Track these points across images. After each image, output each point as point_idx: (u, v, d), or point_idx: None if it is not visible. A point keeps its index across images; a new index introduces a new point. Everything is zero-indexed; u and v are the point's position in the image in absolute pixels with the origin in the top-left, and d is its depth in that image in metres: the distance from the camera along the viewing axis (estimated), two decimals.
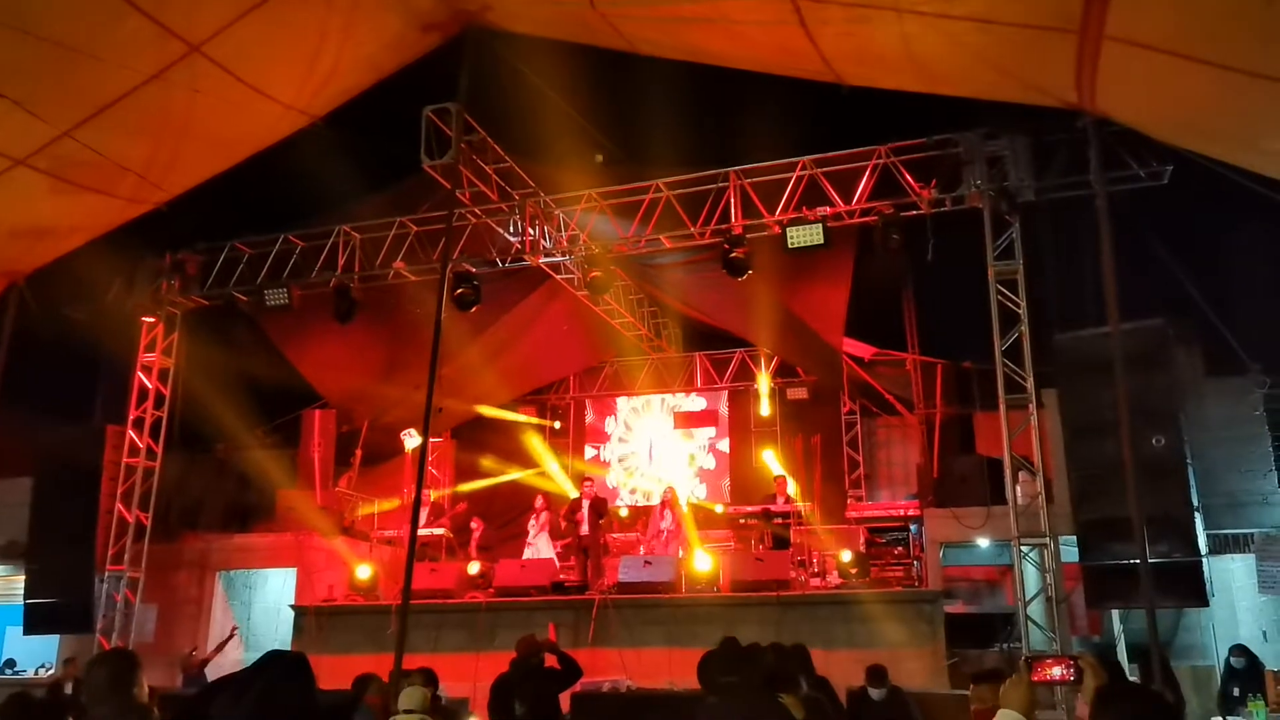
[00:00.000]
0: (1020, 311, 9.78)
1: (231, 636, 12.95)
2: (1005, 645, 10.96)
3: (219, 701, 1.67)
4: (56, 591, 12.02)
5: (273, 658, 1.74)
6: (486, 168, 10.35)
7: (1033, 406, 9.69)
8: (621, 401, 16.74)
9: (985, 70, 6.88)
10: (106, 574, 12.07)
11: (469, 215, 11.36)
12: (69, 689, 8.93)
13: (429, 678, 5.62)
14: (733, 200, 10.84)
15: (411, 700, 5.01)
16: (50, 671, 12.98)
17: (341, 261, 12.13)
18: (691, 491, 15.52)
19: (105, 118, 7.47)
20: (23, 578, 12.48)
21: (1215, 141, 6.45)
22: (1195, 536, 8.88)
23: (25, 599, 12.19)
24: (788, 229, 10.35)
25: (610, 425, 16.75)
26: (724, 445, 16.03)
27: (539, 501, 13.73)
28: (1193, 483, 9.16)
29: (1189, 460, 9.16)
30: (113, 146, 8.02)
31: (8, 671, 13.69)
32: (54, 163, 7.94)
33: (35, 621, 12.15)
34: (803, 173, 10.66)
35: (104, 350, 13.69)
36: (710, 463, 16.03)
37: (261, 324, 12.87)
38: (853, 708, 7.56)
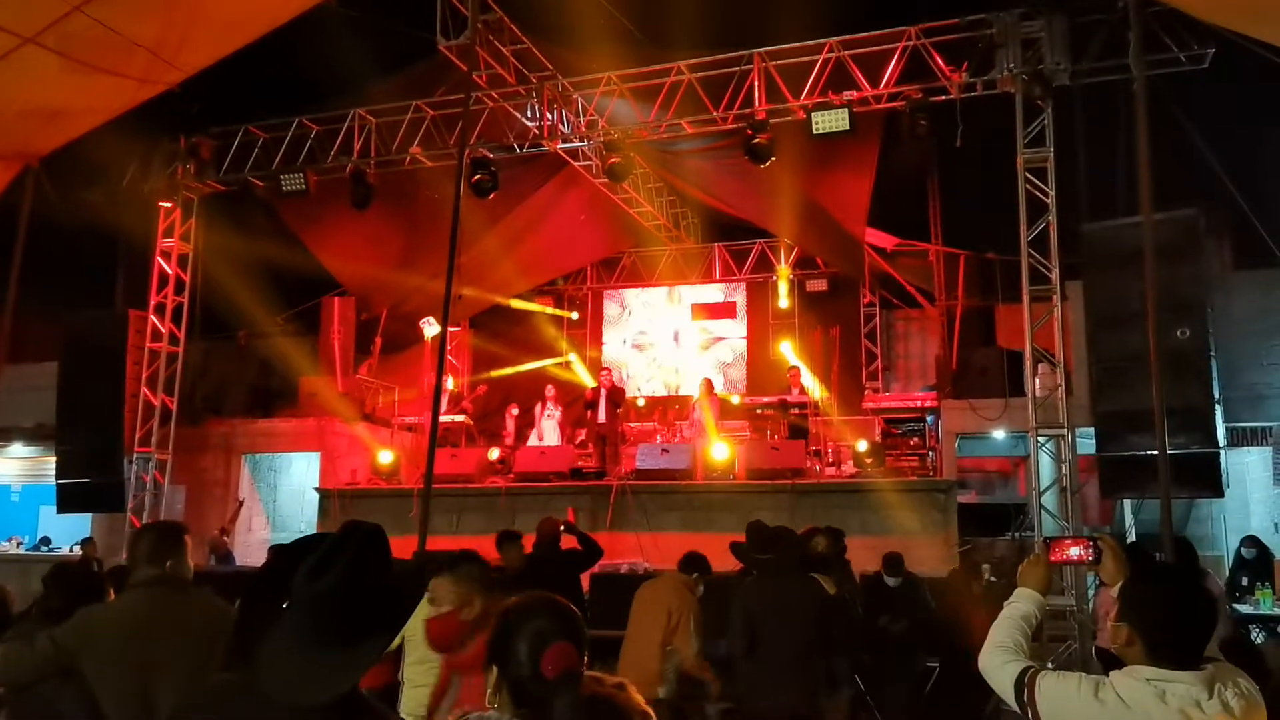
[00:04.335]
0: (1049, 201, 9.56)
1: (239, 507, 13.27)
2: (1016, 534, 11.14)
3: (300, 573, 1.64)
4: (87, 472, 12.28)
5: (353, 530, 1.72)
6: (503, 49, 10.08)
7: (1057, 298, 9.56)
8: (639, 292, 16.67)
9: None
10: (135, 456, 12.33)
11: (485, 99, 11.11)
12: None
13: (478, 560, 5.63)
14: (756, 84, 10.53)
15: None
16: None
17: (357, 146, 11.94)
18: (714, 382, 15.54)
19: None
20: (53, 459, 12.77)
21: (1266, 21, 6.18)
22: (1214, 428, 8.89)
23: (57, 479, 12.49)
24: (813, 114, 10.06)
25: (627, 316, 16.73)
26: (742, 336, 16.02)
27: (549, 391, 13.65)
28: (1214, 375, 9.12)
29: (1212, 353, 9.10)
30: (123, 22, 7.82)
31: (43, 549, 14.12)
32: (64, 40, 7.74)
33: (67, 501, 12.46)
34: (829, 55, 10.31)
35: (122, 234, 13.68)
36: (727, 354, 16.05)
37: (279, 210, 12.78)
38: (868, 592, 7.73)
